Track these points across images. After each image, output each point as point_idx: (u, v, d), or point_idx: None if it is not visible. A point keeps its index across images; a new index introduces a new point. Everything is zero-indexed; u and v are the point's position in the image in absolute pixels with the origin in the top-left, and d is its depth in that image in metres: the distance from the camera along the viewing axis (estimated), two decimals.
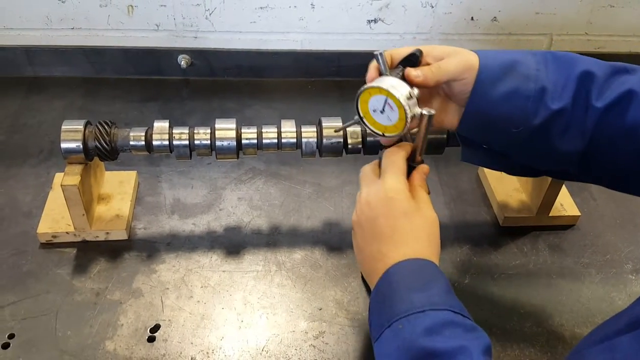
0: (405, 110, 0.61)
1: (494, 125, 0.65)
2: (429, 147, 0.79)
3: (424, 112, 0.62)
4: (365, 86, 0.63)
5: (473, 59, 0.64)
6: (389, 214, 0.63)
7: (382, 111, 0.64)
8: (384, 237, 0.63)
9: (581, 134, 0.64)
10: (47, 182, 0.93)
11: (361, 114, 0.66)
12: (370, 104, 0.64)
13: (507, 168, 0.76)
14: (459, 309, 0.57)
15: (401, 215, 0.63)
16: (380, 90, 0.62)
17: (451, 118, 0.68)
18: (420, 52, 0.65)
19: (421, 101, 0.64)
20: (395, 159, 0.66)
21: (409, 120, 0.62)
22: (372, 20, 1.15)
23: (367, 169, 0.69)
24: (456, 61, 0.64)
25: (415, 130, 0.66)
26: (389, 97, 0.62)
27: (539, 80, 0.63)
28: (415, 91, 0.63)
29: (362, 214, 0.65)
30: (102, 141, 0.77)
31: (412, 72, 0.63)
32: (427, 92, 0.67)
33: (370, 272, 0.64)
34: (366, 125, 0.67)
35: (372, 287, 0.64)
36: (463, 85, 0.64)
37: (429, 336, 0.53)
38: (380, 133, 0.66)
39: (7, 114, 1.08)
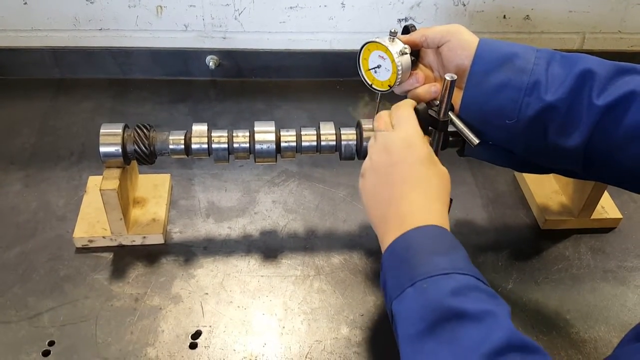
0: (395, 60, 0.69)
1: (489, 117, 0.67)
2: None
3: (447, 77, 0.65)
4: (365, 42, 0.72)
5: (460, 29, 0.70)
6: (408, 159, 0.64)
7: (379, 66, 0.72)
8: (402, 181, 0.63)
9: (579, 130, 0.65)
10: (80, 185, 0.92)
11: (362, 71, 0.74)
12: (370, 60, 0.72)
13: (512, 164, 0.76)
14: (480, 276, 0.57)
15: (420, 161, 0.64)
16: (377, 45, 0.70)
17: (457, 108, 0.70)
18: (414, 25, 0.75)
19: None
20: (406, 111, 0.68)
21: (399, 71, 0.70)
22: (402, 19, 1.13)
23: (384, 115, 0.70)
24: (440, 27, 0.71)
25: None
26: (383, 51, 0.70)
27: (533, 74, 0.65)
28: (409, 50, 0.71)
29: (378, 159, 0.66)
30: (141, 145, 0.76)
31: (402, 36, 0.73)
32: (438, 77, 0.74)
33: (384, 216, 0.63)
34: (366, 81, 0.75)
35: (382, 234, 0.63)
36: (449, 50, 0.70)
37: (456, 297, 0.53)
38: (379, 88, 0.74)
39: (36, 115, 1.07)
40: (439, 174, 0.65)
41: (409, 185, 0.63)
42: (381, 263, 0.61)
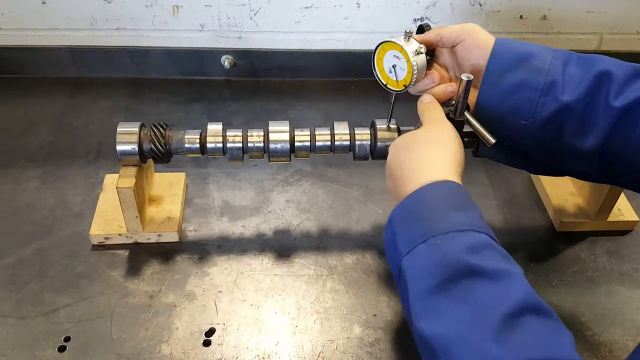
0: (410, 59, 0.69)
1: (504, 117, 0.67)
2: None
3: (463, 77, 0.66)
4: (380, 41, 0.71)
5: (475, 28, 0.69)
6: (423, 143, 0.65)
7: (394, 66, 0.71)
8: (418, 155, 0.63)
9: (595, 131, 0.64)
10: (97, 183, 0.93)
11: (377, 71, 0.73)
12: (385, 60, 0.72)
13: (527, 166, 0.76)
14: (494, 236, 0.55)
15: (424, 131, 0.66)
16: (392, 45, 0.70)
17: (472, 108, 0.70)
18: (428, 25, 0.75)
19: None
20: (435, 112, 0.69)
21: (414, 70, 0.69)
22: (418, 19, 1.13)
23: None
24: (455, 26, 0.70)
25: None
26: (398, 51, 0.70)
27: (550, 74, 0.65)
28: (424, 50, 0.70)
29: (397, 152, 0.65)
30: (157, 144, 0.77)
31: (417, 35, 0.72)
32: (453, 77, 0.74)
33: (397, 182, 0.63)
34: (381, 81, 0.74)
35: (396, 197, 0.62)
36: (464, 49, 0.69)
37: (472, 254, 0.51)
38: (394, 88, 0.73)
39: (54, 114, 1.08)
40: (438, 132, 0.65)
41: (417, 149, 0.63)
42: (389, 218, 0.59)
